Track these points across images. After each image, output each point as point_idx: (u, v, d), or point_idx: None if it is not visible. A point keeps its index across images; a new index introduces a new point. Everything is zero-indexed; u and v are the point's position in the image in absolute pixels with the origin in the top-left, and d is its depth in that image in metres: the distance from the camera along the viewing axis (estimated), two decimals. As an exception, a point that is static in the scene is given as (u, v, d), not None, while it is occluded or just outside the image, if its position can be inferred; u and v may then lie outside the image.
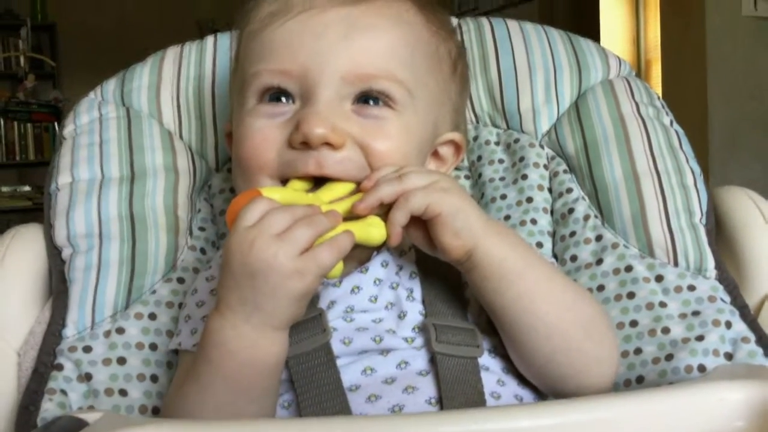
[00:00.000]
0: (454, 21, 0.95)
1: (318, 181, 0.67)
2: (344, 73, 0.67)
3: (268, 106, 0.69)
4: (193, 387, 0.60)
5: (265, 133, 0.68)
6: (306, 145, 0.65)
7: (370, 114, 0.68)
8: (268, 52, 0.69)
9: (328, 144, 0.65)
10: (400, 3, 0.72)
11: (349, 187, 0.66)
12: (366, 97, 0.68)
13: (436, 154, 0.76)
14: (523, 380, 0.68)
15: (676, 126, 0.89)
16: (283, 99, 0.68)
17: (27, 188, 4.55)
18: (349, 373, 0.64)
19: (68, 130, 0.90)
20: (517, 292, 0.64)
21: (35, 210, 4.33)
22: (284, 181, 0.67)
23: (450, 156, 0.77)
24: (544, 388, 0.68)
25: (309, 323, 0.65)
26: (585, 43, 0.95)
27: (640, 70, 3.85)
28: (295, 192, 0.64)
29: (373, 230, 0.63)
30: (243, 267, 0.56)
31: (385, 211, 0.63)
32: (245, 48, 0.73)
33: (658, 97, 0.93)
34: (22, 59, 4.90)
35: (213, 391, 0.59)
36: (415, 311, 0.68)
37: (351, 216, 0.63)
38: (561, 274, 0.72)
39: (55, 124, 4.90)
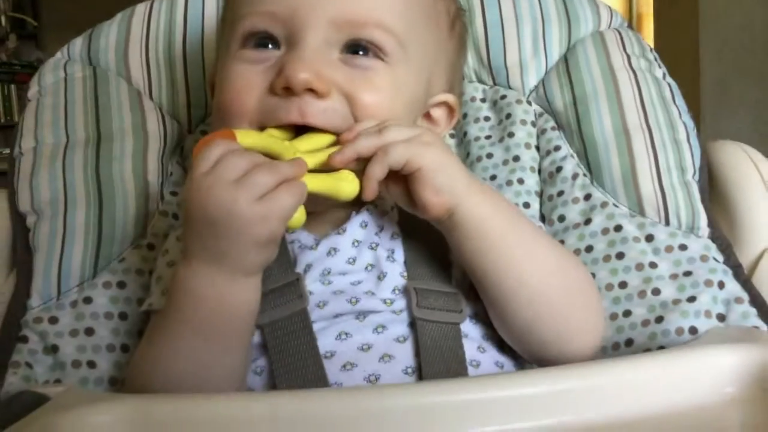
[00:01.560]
0: None
1: (298, 133, 0.63)
2: (333, 18, 0.63)
3: (253, 51, 0.65)
4: (163, 339, 0.58)
5: (246, 78, 0.64)
6: (288, 91, 0.62)
7: (358, 64, 0.64)
8: None
9: (311, 91, 0.62)
10: None
11: (329, 138, 0.62)
12: (355, 47, 0.64)
13: (428, 116, 0.73)
14: (503, 347, 0.66)
15: (668, 79, 0.86)
16: (269, 46, 0.65)
17: (8, 151, 4.49)
18: (324, 339, 0.61)
19: (33, 91, 0.87)
20: (498, 253, 0.61)
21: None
22: (264, 130, 0.63)
23: (443, 119, 0.74)
24: (525, 355, 0.66)
25: (286, 288, 0.63)
26: (575, -6, 0.91)
27: (632, 24, 3.79)
28: (271, 138, 0.60)
29: (344, 184, 0.60)
30: (203, 216, 0.54)
31: (362, 166, 0.60)
32: None
33: (651, 49, 0.89)
34: (3, 19, 4.80)
35: (183, 341, 0.57)
36: (395, 273, 0.65)
37: (326, 168, 0.60)
38: (547, 237, 0.70)
39: (39, 85, 4.82)
